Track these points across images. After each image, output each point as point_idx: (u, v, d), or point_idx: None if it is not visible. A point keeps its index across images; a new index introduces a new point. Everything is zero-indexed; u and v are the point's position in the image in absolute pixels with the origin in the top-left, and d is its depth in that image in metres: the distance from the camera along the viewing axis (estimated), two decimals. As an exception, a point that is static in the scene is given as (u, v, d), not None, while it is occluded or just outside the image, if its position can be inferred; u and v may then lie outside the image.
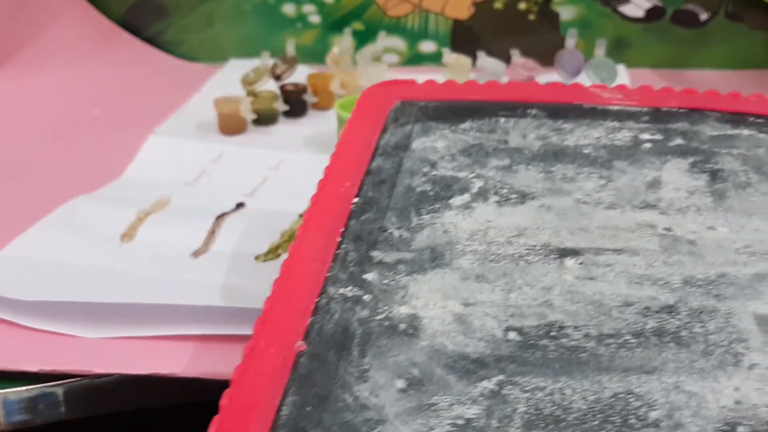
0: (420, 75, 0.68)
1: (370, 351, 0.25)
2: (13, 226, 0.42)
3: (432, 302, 0.27)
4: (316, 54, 0.69)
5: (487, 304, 0.27)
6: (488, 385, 0.24)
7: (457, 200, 0.32)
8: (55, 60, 0.65)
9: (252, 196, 0.47)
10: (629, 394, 0.23)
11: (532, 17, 0.70)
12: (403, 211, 0.32)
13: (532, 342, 0.25)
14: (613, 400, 0.23)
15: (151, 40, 0.72)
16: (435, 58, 0.70)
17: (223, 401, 0.24)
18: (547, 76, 0.64)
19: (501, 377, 0.24)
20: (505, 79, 0.64)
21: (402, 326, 0.26)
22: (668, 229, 0.30)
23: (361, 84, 0.61)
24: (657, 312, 0.26)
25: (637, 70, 0.69)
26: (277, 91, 0.59)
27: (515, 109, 0.38)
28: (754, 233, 0.29)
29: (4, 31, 0.64)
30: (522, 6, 0.69)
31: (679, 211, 0.30)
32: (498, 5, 0.70)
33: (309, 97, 0.60)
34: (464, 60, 0.64)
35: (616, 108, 0.37)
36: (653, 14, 0.68)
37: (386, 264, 0.29)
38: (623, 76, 0.66)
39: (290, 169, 0.51)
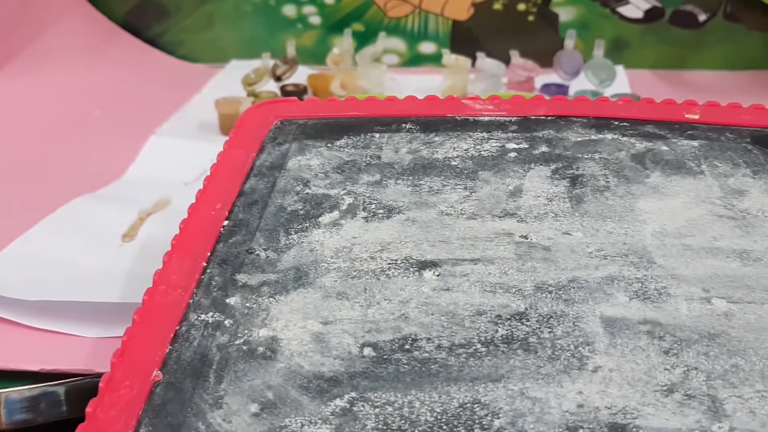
0: (420, 76, 0.70)
1: (226, 377, 0.25)
2: (14, 225, 0.42)
3: (292, 323, 0.27)
4: (316, 55, 0.69)
5: (345, 321, 0.27)
6: (340, 403, 0.24)
7: (326, 218, 0.32)
8: (57, 60, 0.65)
9: None
10: (475, 403, 0.24)
11: (531, 18, 0.71)
12: (272, 231, 0.32)
13: (385, 357, 0.26)
14: (459, 410, 0.24)
15: (152, 41, 0.72)
16: (435, 59, 0.71)
17: (74, 438, 0.24)
18: (546, 77, 0.65)
19: (353, 394, 0.24)
20: (504, 80, 0.65)
21: (260, 349, 0.26)
22: (524, 237, 0.30)
23: (362, 85, 0.61)
24: (508, 319, 0.27)
25: (635, 71, 0.70)
26: (278, 91, 0.60)
27: (390, 123, 0.39)
28: (606, 236, 0.30)
29: (5, 32, 0.63)
30: (521, 7, 0.70)
31: (536, 218, 0.31)
32: (497, 6, 0.71)
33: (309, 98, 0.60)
34: (464, 61, 0.65)
35: (486, 119, 0.38)
36: (652, 15, 0.70)
37: (249, 287, 0.29)
38: (622, 77, 0.67)
39: None
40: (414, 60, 0.73)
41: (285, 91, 0.60)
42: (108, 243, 0.41)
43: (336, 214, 0.33)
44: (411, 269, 0.29)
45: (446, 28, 0.72)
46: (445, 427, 0.23)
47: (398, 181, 0.34)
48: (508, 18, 0.71)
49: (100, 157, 0.53)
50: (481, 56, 0.64)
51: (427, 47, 0.73)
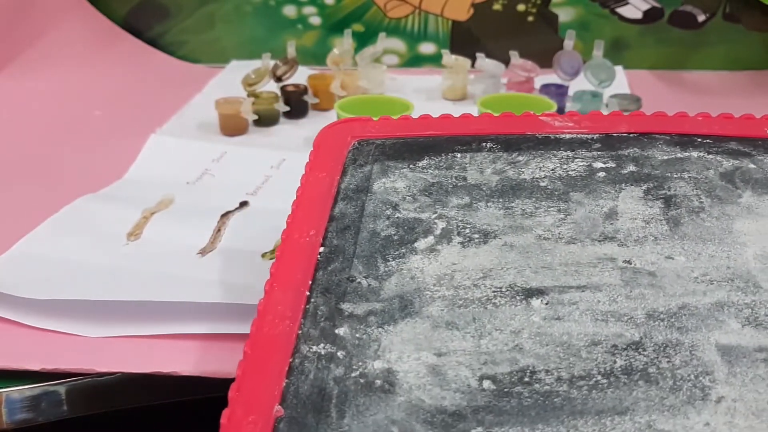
0: (420, 76, 0.70)
1: (348, 411, 0.26)
2: (17, 226, 0.43)
3: (405, 354, 0.28)
4: (316, 55, 0.69)
5: (459, 353, 0.27)
6: (467, 438, 0.24)
7: (421, 243, 0.33)
8: (58, 61, 0.66)
9: (255, 195, 0.48)
10: (605, 437, 0.24)
11: (530, 19, 0.71)
12: (369, 258, 0.32)
13: (506, 390, 0.26)
14: (589, 444, 0.24)
15: (153, 42, 0.72)
16: (434, 60, 0.71)
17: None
18: (545, 78, 0.65)
19: (479, 429, 0.25)
20: (503, 81, 0.65)
21: (378, 382, 0.27)
22: (628, 262, 0.30)
23: (362, 85, 0.61)
24: (624, 349, 0.27)
25: (635, 71, 0.70)
26: (278, 92, 0.60)
27: (470, 143, 0.39)
28: (709, 260, 0.30)
29: (6, 33, 0.64)
30: (521, 8, 0.70)
31: (637, 242, 0.31)
32: (497, 7, 0.71)
33: (309, 98, 0.60)
34: (463, 61, 0.65)
35: (567, 137, 0.38)
36: (651, 16, 0.70)
37: (357, 317, 0.29)
38: (621, 77, 0.67)
39: (292, 168, 0.51)
40: (414, 60, 0.73)
41: (285, 92, 0.60)
42: (113, 242, 0.41)
43: (431, 239, 0.33)
44: (517, 297, 0.29)
45: (446, 29, 0.72)
46: (578, 462, 0.23)
47: (488, 204, 0.34)
48: (507, 18, 0.71)
49: (102, 157, 0.54)
50: (480, 57, 0.64)
51: (426, 48, 0.73)
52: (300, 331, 0.29)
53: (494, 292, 0.30)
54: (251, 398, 0.27)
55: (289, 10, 0.71)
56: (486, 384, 0.26)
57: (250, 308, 0.35)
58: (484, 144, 0.38)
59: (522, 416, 0.25)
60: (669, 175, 0.35)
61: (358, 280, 0.31)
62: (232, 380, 0.32)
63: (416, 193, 0.36)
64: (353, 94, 0.60)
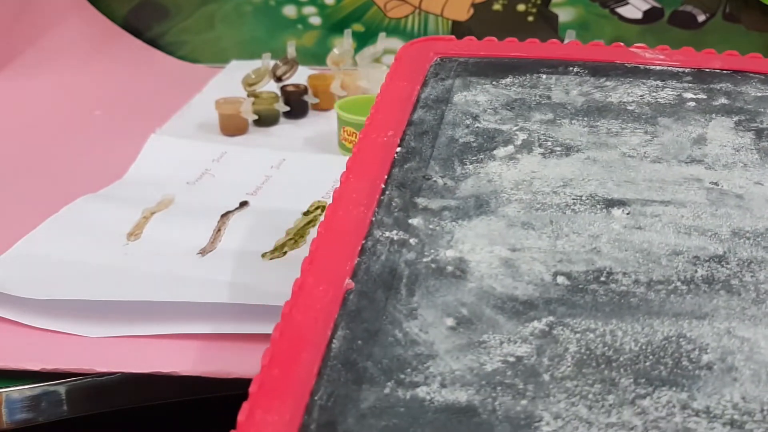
0: None
1: (417, 291, 0.26)
2: (17, 226, 0.42)
3: (478, 247, 0.27)
4: (316, 55, 0.68)
5: (534, 250, 0.27)
6: (538, 325, 0.24)
7: (501, 151, 0.32)
8: (58, 61, 0.65)
9: (255, 195, 0.47)
10: (681, 337, 0.23)
11: (530, 19, 0.69)
12: (446, 160, 0.32)
13: (581, 286, 0.25)
14: (665, 342, 0.23)
15: (153, 42, 0.71)
16: None
17: (275, 335, 0.24)
18: None
19: (551, 318, 0.24)
20: None
21: (449, 268, 0.26)
22: (715, 183, 0.30)
23: (362, 85, 0.60)
24: (706, 261, 0.26)
25: None
26: (278, 92, 0.59)
27: (557, 66, 0.38)
28: (802, 190, 0.29)
29: (6, 33, 0.64)
30: (521, 7, 0.69)
31: (725, 167, 0.30)
32: (497, 7, 0.69)
33: (309, 98, 0.60)
34: None
35: (658, 68, 0.37)
36: (651, 16, 0.68)
37: (431, 210, 0.29)
38: None
39: (292, 168, 0.51)
40: None
41: (285, 92, 0.59)
42: (113, 242, 0.41)
43: (511, 148, 0.32)
44: (598, 206, 0.29)
45: (446, 29, 0.70)
46: (651, 357, 0.23)
47: (573, 121, 0.34)
48: (507, 18, 0.69)
49: (102, 157, 0.53)
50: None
51: (427, 48, 0.71)
52: (374, 218, 0.29)
53: (574, 199, 0.29)
54: (323, 271, 0.27)
55: (289, 10, 0.70)
56: (560, 279, 0.26)
57: (250, 308, 0.35)
58: (571, 68, 0.38)
59: (596, 311, 0.24)
60: (762, 110, 0.34)
61: (434, 179, 0.31)
62: (233, 380, 0.32)
63: (498, 107, 0.35)
64: (353, 94, 0.59)
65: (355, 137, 0.51)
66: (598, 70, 0.37)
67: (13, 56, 0.64)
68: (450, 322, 0.24)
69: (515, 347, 0.23)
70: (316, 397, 0.22)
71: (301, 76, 0.61)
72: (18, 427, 0.33)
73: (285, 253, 0.40)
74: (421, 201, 0.30)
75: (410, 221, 0.29)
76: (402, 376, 0.23)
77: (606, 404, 0.22)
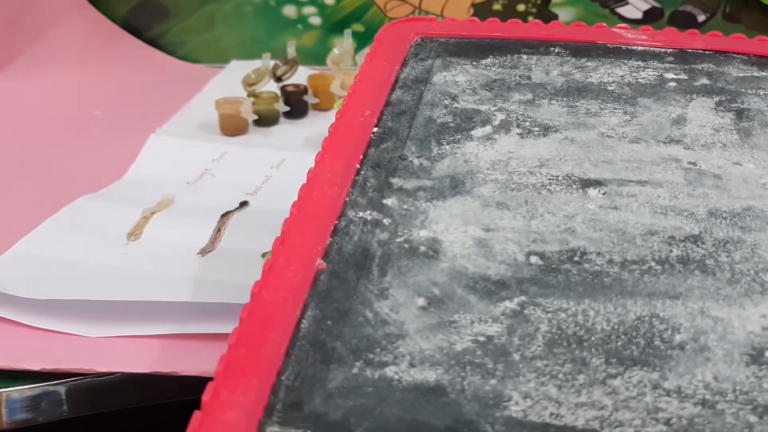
0: None
1: (389, 271, 0.25)
2: (17, 226, 0.42)
3: (452, 227, 0.27)
4: (316, 55, 0.68)
5: (508, 230, 0.27)
6: (510, 305, 0.24)
7: (478, 132, 0.32)
8: (57, 61, 0.64)
9: (255, 195, 0.46)
10: (654, 317, 0.23)
11: (530, 19, 0.69)
12: (423, 141, 0.31)
13: (554, 266, 0.25)
14: (637, 322, 0.23)
15: (153, 42, 0.70)
16: None
17: (243, 314, 0.24)
18: None
19: (523, 298, 0.24)
20: None
21: (422, 248, 0.26)
22: (693, 163, 0.29)
23: None
24: (682, 241, 0.26)
25: None
26: (278, 92, 0.58)
27: (538, 46, 0.37)
28: (780, 170, 0.29)
29: (6, 33, 0.63)
30: (521, 7, 0.69)
31: (704, 147, 0.30)
32: (497, 7, 0.69)
33: (310, 98, 0.59)
34: None
35: (640, 48, 0.37)
36: (651, 16, 0.67)
37: (405, 190, 0.29)
38: None
39: (292, 168, 0.50)
40: None
41: (285, 92, 0.59)
42: (113, 242, 0.40)
43: (488, 128, 0.32)
44: (574, 186, 0.28)
45: None
46: (623, 336, 0.22)
47: (552, 102, 0.33)
48: (507, 18, 0.68)
49: (101, 157, 0.52)
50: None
51: (426, 47, 0.71)
52: (348, 198, 0.28)
53: (550, 179, 0.29)
54: (294, 251, 0.26)
55: (289, 10, 0.70)
56: (533, 259, 0.25)
57: None
58: (552, 48, 0.37)
59: (568, 290, 0.24)
60: (743, 90, 0.34)
61: (410, 159, 0.30)
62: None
63: (477, 87, 0.35)
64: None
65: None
66: (580, 50, 0.37)
67: (13, 56, 0.63)
68: (421, 302, 0.24)
69: (486, 327, 0.23)
70: (283, 377, 0.22)
71: (301, 76, 0.61)
72: (18, 427, 0.33)
73: None
74: (396, 181, 0.29)
75: (384, 201, 0.28)
76: (371, 356, 0.22)
77: (576, 384, 0.21)
